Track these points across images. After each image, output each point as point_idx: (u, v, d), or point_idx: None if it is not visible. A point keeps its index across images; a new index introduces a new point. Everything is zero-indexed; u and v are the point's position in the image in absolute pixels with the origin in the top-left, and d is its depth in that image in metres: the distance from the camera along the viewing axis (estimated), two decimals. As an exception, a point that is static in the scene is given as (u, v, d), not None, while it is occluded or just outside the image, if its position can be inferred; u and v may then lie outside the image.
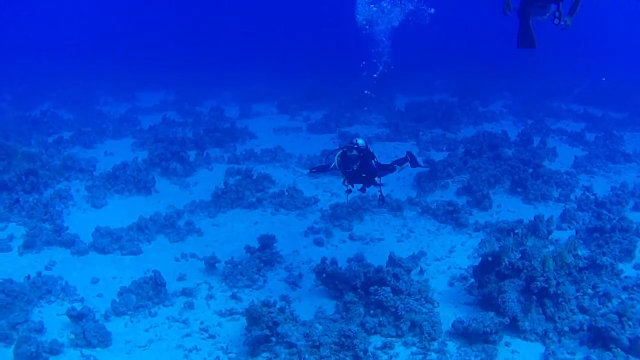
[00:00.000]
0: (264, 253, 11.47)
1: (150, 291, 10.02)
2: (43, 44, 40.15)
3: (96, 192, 14.91)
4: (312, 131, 22.64)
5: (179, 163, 17.04)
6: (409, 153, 12.97)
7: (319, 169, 11.36)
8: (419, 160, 14.47)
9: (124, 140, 20.97)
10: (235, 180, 15.57)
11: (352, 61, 31.44)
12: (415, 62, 33.26)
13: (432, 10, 14.09)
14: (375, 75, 25.31)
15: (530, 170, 16.43)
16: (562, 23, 9.48)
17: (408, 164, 12.62)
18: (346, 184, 10.75)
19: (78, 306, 9.50)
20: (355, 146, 10.30)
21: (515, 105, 26.28)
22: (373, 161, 10.58)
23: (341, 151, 10.45)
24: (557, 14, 9.51)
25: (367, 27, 15.26)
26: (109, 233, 12.30)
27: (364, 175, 10.56)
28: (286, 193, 14.80)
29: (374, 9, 14.68)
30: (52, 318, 9.48)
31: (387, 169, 11.37)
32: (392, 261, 10.77)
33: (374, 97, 25.62)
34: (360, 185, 10.82)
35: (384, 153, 17.93)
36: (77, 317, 9.09)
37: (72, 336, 8.79)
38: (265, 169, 17.26)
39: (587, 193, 15.35)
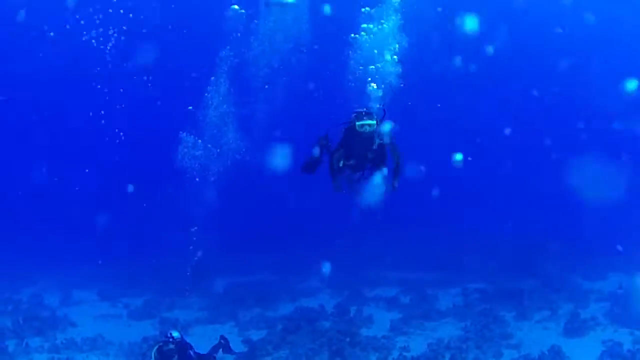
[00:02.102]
0: None
1: None
2: None
3: None
4: (132, 318, 21.63)
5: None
6: (222, 337, 13.64)
7: None
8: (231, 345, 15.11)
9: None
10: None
11: (173, 243, 31.01)
12: (236, 242, 33.29)
13: None
14: (196, 258, 24.99)
15: (348, 339, 16.30)
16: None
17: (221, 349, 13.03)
18: None
19: None
20: (171, 339, 10.43)
21: (332, 277, 26.52)
22: (191, 352, 10.71)
23: (157, 347, 10.45)
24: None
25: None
26: None
27: None
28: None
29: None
30: None
31: (206, 358, 11.64)
32: None
33: (194, 280, 25.07)
34: None
35: (204, 337, 17.34)
36: None
37: None
38: (87, 358, 16.41)
39: (403, 354, 15.52)
